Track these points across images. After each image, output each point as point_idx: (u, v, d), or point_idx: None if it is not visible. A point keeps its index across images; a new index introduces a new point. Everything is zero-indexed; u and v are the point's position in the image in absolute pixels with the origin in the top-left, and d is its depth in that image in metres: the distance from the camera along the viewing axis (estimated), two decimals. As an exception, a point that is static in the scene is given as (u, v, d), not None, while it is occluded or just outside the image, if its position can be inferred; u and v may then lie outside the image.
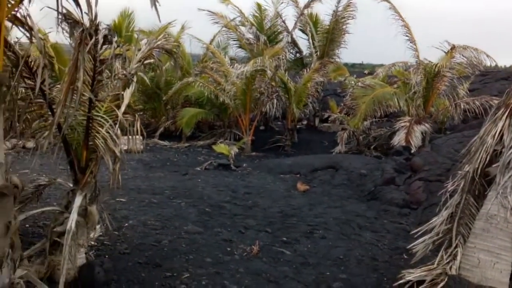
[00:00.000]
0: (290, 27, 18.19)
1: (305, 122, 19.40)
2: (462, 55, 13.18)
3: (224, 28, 18.31)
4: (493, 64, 14.30)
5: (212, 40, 19.38)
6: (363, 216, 7.54)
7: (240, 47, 18.52)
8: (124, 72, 3.90)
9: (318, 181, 10.19)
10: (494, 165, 4.52)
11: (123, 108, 3.87)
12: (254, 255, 5.58)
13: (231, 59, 18.20)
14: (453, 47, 12.94)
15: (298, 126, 17.77)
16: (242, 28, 18.30)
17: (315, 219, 7.22)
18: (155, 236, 5.91)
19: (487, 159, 4.59)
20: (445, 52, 13.10)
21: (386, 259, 5.76)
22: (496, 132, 4.64)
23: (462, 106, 13.55)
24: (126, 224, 6.27)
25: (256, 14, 18.37)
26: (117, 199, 7.38)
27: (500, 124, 4.63)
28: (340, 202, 8.42)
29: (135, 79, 4.08)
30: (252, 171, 11.37)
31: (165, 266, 5.02)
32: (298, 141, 16.36)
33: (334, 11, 17.32)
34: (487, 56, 12.85)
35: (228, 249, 5.73)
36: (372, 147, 14.39)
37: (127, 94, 3.92)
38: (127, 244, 5.54)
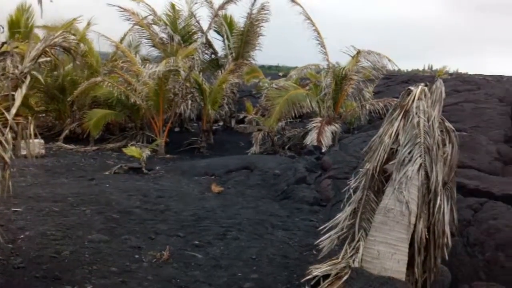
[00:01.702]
0: (205, 28, 18.22)
1: (221, 123, 19.52)
2: (367, 59, 14.03)
3: (136, 26, 17.88)
4: (396, 68, 15.39)
5: (122, 38, 18.82)
6: (276, 215, 7.76)
7: (153, 46, 18.17)
8: (15, 71, 3.66)
9: (233, 182, 10.30)
10: (391, 163, 4.87)
11: (14, 110, 3.64)
12: (164, 261, 5.52)
13: (144, 58, 17.82)
14: (359, 52, 13.74)
15: (214, 128, 17.83)
16: (155, 27, 18.00)
17: (228, 220, 7.30)
18: (55, 247, 5.60)
19: (385, 157, 4.94)
20: (351, 56, 13.86)
21: (296, 256, 5.97)
22: (392, 132, 5.01)
23: (367, 107, 14.43)
24: (22, 236, 5.88)
25: (170, 13, 18.14)
26: (12, 209, 6.89)
27: (396, 124, 5.02)
28: (254, 202, 8.59)
29: (28, 78, 3.85)
30: (165, 174, 11.22)
31: (65, 279, 4.79)
32: (214, 142, 16.40)
33: (248, 13, 17.62)
34: (389, 60, 13.80)
35: (136, 256, 5.61)
36: (286, 147, 14.83)
37: (19, 95, 3.69)
38: (22, 258, 5.20)
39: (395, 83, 24.16)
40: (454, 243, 5.70)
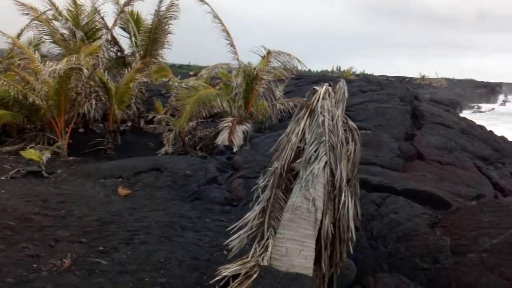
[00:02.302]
0: (111, 25, 17.57)
1: (129, 124, 18.95)
2: (278, 60, 14.39)
3: (35, 22, 16.81)
4: (306, 69, 15.97)
5: (19, 34, 17.61)
6: (186, 216, 7.68)
7: (54, 42, 17.19)
8: None
9: (142, 184, 10.05)
10: (298, 161, 5.02)
11: None
12: (65, 269, 5.24)
13: (43, 56, 16.80)
14: (269, 52, 14.06)
15: (122, 128, 17.27)
16: (56, 23, 17.04)
17: (136, 224, 7.10)
18: None
19: (292, 155, 5.09)
20: (261, 56, 14.14)
21: (207, 258, 5.96)
22: (299, 130, 5.17)
23: (278, 107, 14.79)
24: None
25: (71, 9, 17.25)
26: None
27: (302, 123, 5.18)
28: (163, 204, 8.44)
29: None
30: (68, 177, 10.66)
31: (-47, 293, 4.41)
32: (121, 143, 15.87)
33: (156, 10, 17.32)
34: (299, 61, 14.27)
35: (35, 265, 5.29)
36: (197, 147, 14.74)
37: None
38: None
39: (305, 83, 25.06)
40: (359, 237, 6.03)
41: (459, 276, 5.75)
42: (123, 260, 5.65)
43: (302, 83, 25.84)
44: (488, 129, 20.68)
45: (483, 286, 5.57)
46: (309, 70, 68.61)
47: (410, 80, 66.82)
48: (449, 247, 6.08)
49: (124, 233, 6.64)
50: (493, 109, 59.13)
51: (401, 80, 63.75)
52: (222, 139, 13.12)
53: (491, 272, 5.67)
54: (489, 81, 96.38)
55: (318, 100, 5.21)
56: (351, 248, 5.17)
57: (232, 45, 14.95)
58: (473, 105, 58.95)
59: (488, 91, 79.74)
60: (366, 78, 43.48)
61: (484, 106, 61.38)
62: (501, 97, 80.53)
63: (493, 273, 5.68)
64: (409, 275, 5.89)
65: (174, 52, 19.13)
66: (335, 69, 78.27)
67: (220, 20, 14.93)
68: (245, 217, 5.22)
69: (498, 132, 20.89)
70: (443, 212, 6.92)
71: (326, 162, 4.91)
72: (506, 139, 19.15)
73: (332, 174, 4.96)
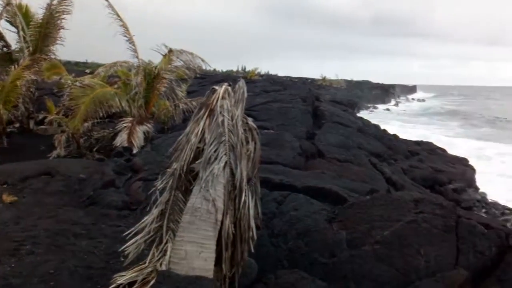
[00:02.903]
0: (-5, 18, 16.26)
1: (17, 125, 17.62)
2: (180, 59, 14.23)
3: None
4: (211, 68, 16.00)
5: None
6: (79, 223, 7.31)
7: None
8: None
9: (30, 190, 9.37)
10: (197, 162, 5.00)
11: None
12: None
13: None
14: (171, 51, 13.86)
15: (9, 130, 16.01)
16: None
17: (22, 233, 6.61)
18: None
19: (192, 156, 5.06)
20: (163, 55, 13.90)
21: (102, 266, 5.73)
22: (199, 130, 5.16)
23: (181, 107, 14.64)
24: None
25: None
26: None
27: (202, 123, 5.18)
28: (54, 211, 7.95)
29: None
30: None
31: None
32: (8, 146, 14.71)
33: (48, 4, 16.33)
34: (202, 60, 14.22)
35: None
36: (94, 149, 14.11)
37: None
38: None
39: (209, 83, 25.03)
40: (260, 235, 6.16)
41: (354, 268, 6.11)
42: (7, 273, 5.24)
43: (206, 82, 25.82)
44: (382, 127, 22.24)
45: (375, 276, 5.98)
46: (214, 69, 68.87)
47: (312, 81, 69.66)
48: (345, 240, 6.44)
49: (8, 244, 6.15)
50: (387, 109, 63.56)
51: (304, 81, 66.29)
52: (121, 140, 12.70)
53: (382, 262, 6.10)
54: (384, 83, 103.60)
55: (217, 100, 5.24)
56: (252, 247, 5.26)
57: (131, 42, 14.52)
58: (369, 105, 62.89)
59: (383, 92, 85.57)
60: (270, 79, 44.62)
61: (380, 106, 65.82)
62: (394, 98, 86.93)
63: (385, 263, 6.11)
64: (308, 270, 6.15)
65: (70, 48, 18.21)
66: (240, 69, 79.34)
67: (118, 15, 14.43)
68: (142, 221, 5.10)
69: (391, 130, 22.54)
70: (340, 207, 7.29)
71: (226, 162, 4.96)
72: (398, 137, 20.73)
73: (232, 174, 5.01)
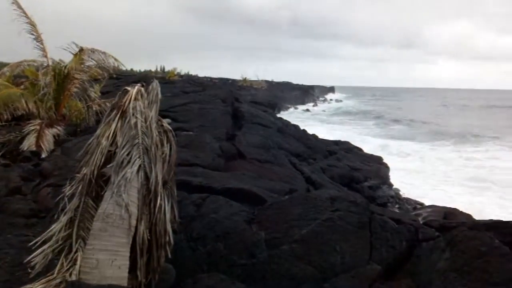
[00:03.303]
0: None
1: None
2: (92, 58, 13.71)
3: None
4: (127, 68, 15.54)
5: None
6: (-19, 235, 6.81)
7: None
8: None
9: None
10: (109, 166, 4.85)
11: None
12: None
13: None
14: (82, 50, 13.31)
15: None
16: None
17: None
18: None
19: (103, 160, 4.90)
20: (73, 54, 13.32)
21: (7, 278, 5.37)
22: (110, 133, 5.01)
23: (94, 108, 14.11)
24: None
25: None
26: None
27: (113, 126, 5.03)
28: (-50, 223, 7.35)
29: None
30: None
31: None
32: None
33: None
34: (115, 60, 13.78)
35: None
36: (-1, 154, 13.20)
37: None
38: None
39: (125, 83, 24.33)
40: (178, 240, 6.10)
41: (273, 268, 6.22)
42: None
43: (122, 83, 25.04)
44: (302, 128, 22.84)
45: (293, 274, 6.13)
46: (132, 69, 67.14)
47: (233, 82, 70.06)
48: (264, 241, 6.54)
49: None
50: (307, 109, 65.44)
51: (225, 81, 66.54)
52: (28, 144, 11.98)
53: (300, 261, 6.27)
54: (304, 84, 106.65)
55: (129, 101, 5.12)
56: (169, 252, 5.18)
57: (39, 40, 13.76)
58: (289, 106, 64.43)
59: (303, 93, 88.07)
60: (190, 79, 44.30)
61: (300, 107, 67.63)
62: (313, 98, 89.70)
63: (303, 262, 6.28)
64: (228, 272, 6.17)
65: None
66: (159, 69, 77.91)
67: (24, 11, 13.62)
68: (50, 229, 4.85)
69: (310, 130, 23.23)
70: (259, 208, 7.38)
71: (139, 166, 4.85)
72: (317, 137, 21.40)
73: (147, 178, 4.92)
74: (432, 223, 7.67)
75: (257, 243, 6.51)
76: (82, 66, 13.66)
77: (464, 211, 14.41)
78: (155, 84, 5.40)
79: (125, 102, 5.09)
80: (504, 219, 7.38)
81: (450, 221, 8.25)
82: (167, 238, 5.14)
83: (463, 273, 5.94)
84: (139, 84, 5.31)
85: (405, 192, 18.37)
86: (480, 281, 5.77)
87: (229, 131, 15.91)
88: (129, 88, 5.21)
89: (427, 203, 16.69)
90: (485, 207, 17.12)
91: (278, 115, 32.20)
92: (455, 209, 14.36)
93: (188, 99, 21.04)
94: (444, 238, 6.57)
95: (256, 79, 73.83)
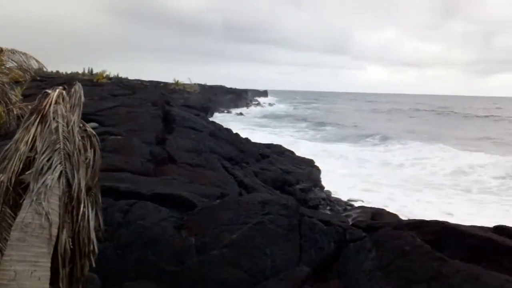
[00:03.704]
0: None
1: None
2: (12, 60, 13.03)
3: None
4: (49, 70, 14.88)
5: None
6: None
7: None
8: None
9: None
10: (27, 172, 4.65)
11: None
12: None
13: None
14: (1, 50, 12.63)
15: None
16: None
17: None
18: None
19: (21, 166, 4.69)
20: (-9, 55, 12.62)
21: None
22: (29, 138, 4.80)
23: (15, 112, 13.41)
24: None
25: None
26: None
27: (33, 130, 4.83)
28: None
29: None
30: None
31: None
32: None
33: None
34: (37, 61, 13.18)
35: None
36: None
37: None
38: None
39: (49, 86, 23.39)
40: (104, 248, 5.96)
41: (203, 274, 6.23)
42: None
43: (47, 85, 24.05)
44: (235, 131, 22.97)
45: (223, 280, 6.17)
46: (57, 71, 64.44)
47: (165, 85, 69.01)
48: (194, 246, 6.54)
49: None
50: (240, 113, 65.81)
51: (156, 84, 65.41)
52: None
53: (231, 265, 6.32)
54: (237, 87, 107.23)
55: (50, 105, 4.94)
56: (93, 261, 5.04)
57: None
58: (223, 109, 64.52)
59: (236, 96, 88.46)
60: (119, 82, 43.17)
61: (233, 111, 67.90)
62: (247, 102, 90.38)
63: (233, 266, 6.34)
64: (156, 279, 6.11)
65: None
66: (87, 71, 75.24)
67: None
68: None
69: (243, 134, 23.41)
70: (189, 213, 7.36)
71: (61, 172, 4.68)
72: (250, 140, 21.59)
73: (69, 185, 4.75)
74: (360, 223, 8.00)
75: (186, 249, 6.49)
76: (2, 67, 12.96)
77: (393, 211, 15.10)
78: (78, 86, 5.26)
79: (46, 105, 4.90)
80: (428, 218, 7.82)
81: (376, 222, 8.64)
82: (91, 247, 5.00)
83: (387, 272, 6.24)
84: (60, 87, 5.13)
85: (337, 193, 18.94)
86: (404, 279, 6.09)
87: (160, 135, 15.69)
88: (49, 91, 5.03)
89: (359, 204, 17.30)
90: (414, 206, 18.02)
91: (211, 119, 32.18)
92: (382, 209, 15.00)
93: (116, 102, 20.53)
94: (371, 239, 6.87)
95: (189, 83, 73.14)
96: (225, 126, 24.04)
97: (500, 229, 7.21)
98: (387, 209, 16.01)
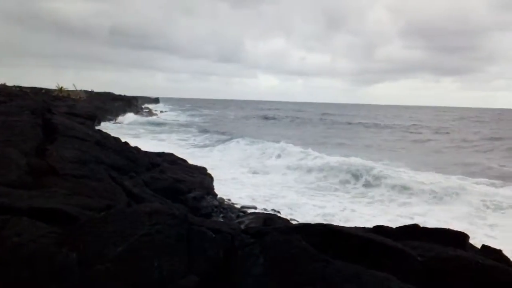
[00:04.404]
0: None
1: None
2: None
3: None
4: None
5: None
6: None
7: None
8: None
9: None
10: None
11: None
12: None
13: None
14: None
15: None
16: None
17: None
18: None
19: None
20: None
21: None
22: None
23: None
24: None
25: None
26: None
27: None
28: None
29: None
30: None
31: None
32: None
33: None
34: None
35: None
36: None
37: None
38: None
39: None
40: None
41: (86, 291, 5.90)
42: None
43: None
44: (124, 140, 22.25)
45: (108, 295, 5.89)
46: None
47: (48, 91, 65.03)
48: (76, 262, 6.17)
49: None
50: (130, 121, 64.08)
51: (37, 91, 61.45)
52: None
53: (116, 280, 6.06)
54: (127, 94, 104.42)
55: None
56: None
57: None
58: (111, 117, 62.33)
59: (126, 103, 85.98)
60: (-5, 88, 39.91)
61: (122, 118, 65.88)
62: (137, 109, 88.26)
63: (119, 280, 6.08)
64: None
65: None
66: (-45, 75, 68.48)
67: None
68: None
69: (133, 142, 22.78)
70: (70, 228, 6.95)
71: None
72: (140, 149, 21.04)
73: None
74: (250, 230, 8.11)
75: (68, 265, 6.12)
76: None
77: (285, 216, 15.57)
78: None
79: None
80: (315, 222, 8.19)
81: (265, 227, 8.81)
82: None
83: (275, 276, 6.39)
84: None
85: (231, 200, 19.15)
86: (291, 282, 6.27)
87: (40, 145, 14.70)
88: None
89: (253, 210, 17.61)
90: (308, 209, 18.79)
91: (98, 127, 30.92)
92: (274, 215, 15.42)
93: (-9, 110, 18.89)
94: (259, 244, 6.99)
95: (74, 89, 69.64)
96: (113, 134, 23.18)
97: (378, 229, 7.74)
98: (279, 215, 16.49)
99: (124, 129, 50.54)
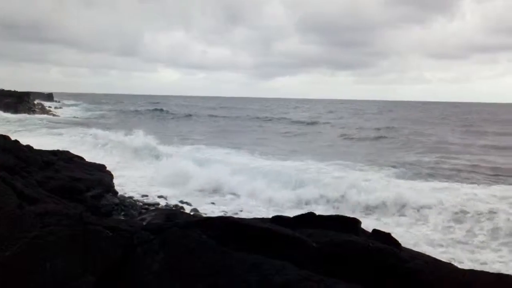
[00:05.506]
0: None
1: None
2: None
3: None
4: None
5: None
6: None
7: None
8: None
9: None
10: None
11: None
12: None
13: None
14: None
15: None
16: None
17: None
18: None
19: None
20: None
21: None
22: None
23: None
24: None
25: None
26: None
27: None
28: None
29: None
30: None
31: None
32: None
33: None
34: None
35: None
36: None
37: None
38: None
39: None
40: None
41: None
42: None
43: None
44: (14, 138, 20.76)
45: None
46: None
47: None
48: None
49: None
50: (22, 118, 60.03)
51: None
52: None
53: (5, 287, 5.67)
54: (17, 90, 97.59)
55: None
56: None
57: None
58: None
59: (17, 100, 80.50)
60: None
61: (13, 116, 61.54)
62: (29, 106, 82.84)
63: (7, 287, 5.70)
64: None
65: None
66: None
67: None
68: None
69: (24, 141, 21.33)
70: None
71: None
72: (32, 147, 19.74)
73: None
74: (150, 226, 7.93)
75: None
76: None
77: (189, 211, 15.46)
78: None
79: None
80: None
81: (166, 223, 8.68)
82: None
83: (175, 270, 6.33)
84: None
85: (133, 197, 18.71)
86: (191, 276, 6.24)
87: None
88: None
89: (156, 207, 17.30)
90: (207, 206, 18.78)
91: (-16, 125, 28.57)
92: (177, 210, 15.27)
93: None
94: (158, 240, 6.88)
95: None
96: (2, 133, 21.54)
97: (277, 219, 7.93)
98: (184, 210, 16.38)
99: (15, 126, 47.21)
